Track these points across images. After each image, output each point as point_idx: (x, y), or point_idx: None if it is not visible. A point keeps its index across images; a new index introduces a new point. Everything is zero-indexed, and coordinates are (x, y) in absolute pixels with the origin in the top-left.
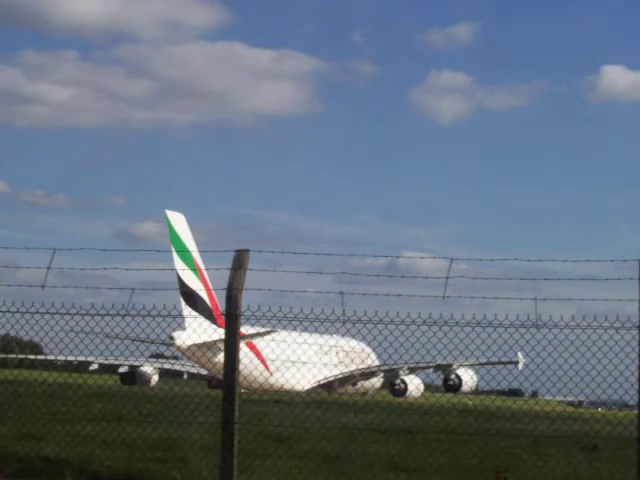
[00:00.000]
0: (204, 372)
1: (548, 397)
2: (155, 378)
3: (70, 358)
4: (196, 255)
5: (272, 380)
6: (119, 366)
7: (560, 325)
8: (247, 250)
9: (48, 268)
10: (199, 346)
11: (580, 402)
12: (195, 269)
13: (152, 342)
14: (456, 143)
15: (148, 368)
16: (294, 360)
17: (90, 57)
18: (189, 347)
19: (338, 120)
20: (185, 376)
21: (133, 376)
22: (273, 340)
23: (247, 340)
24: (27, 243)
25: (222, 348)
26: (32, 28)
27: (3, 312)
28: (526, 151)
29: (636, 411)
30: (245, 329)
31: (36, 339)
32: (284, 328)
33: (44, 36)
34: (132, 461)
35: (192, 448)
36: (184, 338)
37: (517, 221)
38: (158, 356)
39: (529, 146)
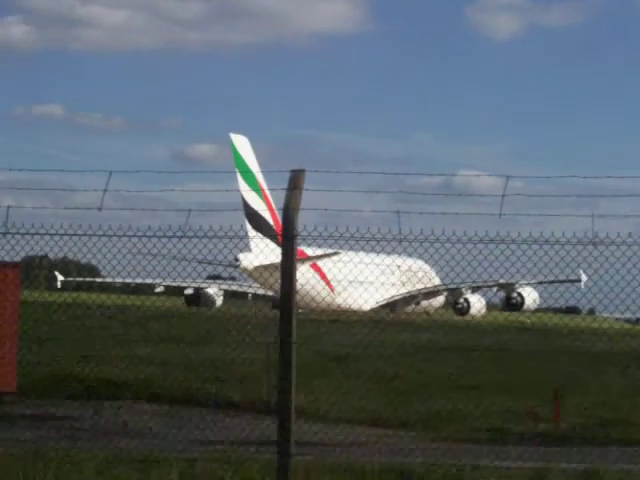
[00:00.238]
0: (269, 293)
1: (605, 314)
2: (220, 300)
3: (138, 280)
4: (259, 177)
5: (337, 300)
6: (184, 288)
7: (617, 242)
8: (303, 170)
9: (104, 191)
10: (265, 267)
11: (638, 319)
12: (259, 190)
13: (217, 263)
14: (511, 60)
15: (213, 289)
16: (358, 280)
17: None
18: (255, 268)
19: (392, 39)
20: (250, 297)
21: (198, 298)
22: (338, 261)
23: (312, 261)
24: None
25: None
26: None
27: (61, 235)
28: (582, 68)
29: None
30: (312, 251)
31: (94, 261)
32: (344, 248)
33: None
34: (190, 382)
35: (250, 368)
36: (250, 259)
37: (573, 139)
38: (215, 277)
39: (585, 63)
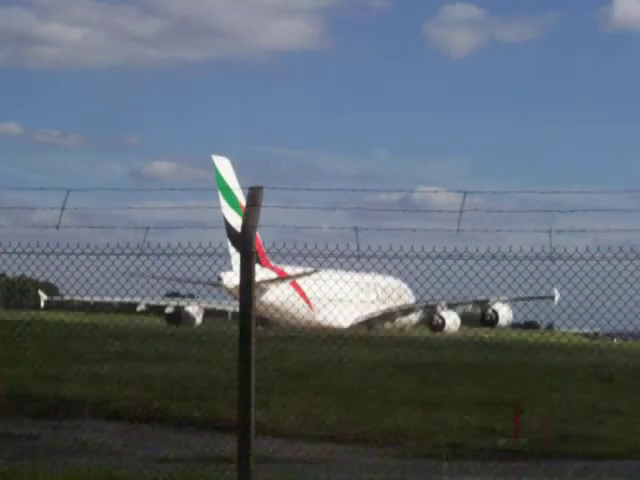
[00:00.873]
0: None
1: (564, 329)
2: (199, 318)
3: (117, 299)
4: (240, 197)
5: (317, 318)
6: (165, 307)
7: (575, 257)
8: (261, 187)
9: (62, 209)
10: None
11: (596, 333)
12: (240, 210)
13: (198, 282)
14: (469, 76)
15: (193, 308)
16: (336, 298)
17: None
18: (236, 287)
19: (350, 55)
20: (230, 315)
21: (179, 316)
22: (317, 279)
23: (291, 280)
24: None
25: (266, 287)
26: None
27: (18, 253)
28: (538, 83)
29: None
30: (291, 269)
31: (52, 280)
32: (312, 265)
33: None
34: (150, 400)
35: (210, 386)
36: (231, 278)
37: (531, 154)
38: (174, 295)
39: (541, 78)
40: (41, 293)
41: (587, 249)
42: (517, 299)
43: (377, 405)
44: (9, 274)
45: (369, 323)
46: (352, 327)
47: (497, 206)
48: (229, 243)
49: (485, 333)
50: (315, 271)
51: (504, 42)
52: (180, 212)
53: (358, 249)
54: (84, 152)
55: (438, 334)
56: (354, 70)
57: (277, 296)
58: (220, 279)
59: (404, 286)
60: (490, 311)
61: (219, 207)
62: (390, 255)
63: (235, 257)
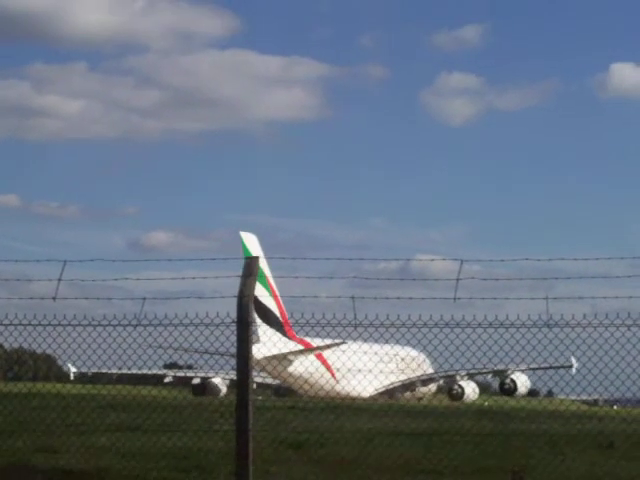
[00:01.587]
0: (275, 382)
1: (562, 396)
2: (224, 389)
3: (144, 371)
4: (268, 275)
5: (338, 388)
6: (191, 378)
7: (572, 324)
8: (257, 257)
9: (59, 280)
10: (270, 358)
11: (595, 400)
12: (268, 288)
13: (223, 354)
14: (467, 144)
15: (217, 379)
16: (357, 369)
17: (99, 68)
18: (264, 359)
19: (349, 125)
20: (254, 386)
21: (204, 387)
22: (339, 350)
23: (319, 352)
24: (39, 255)
25: (292, 359)
26: (40, 41)
27: (15, 325)
28: (536, 151)
29: None
30: (317, 342)
31: (49, 351)
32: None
33: (52, 48)
34: (148, 470)
35: (208, 456)
36: (259, 349)
37: (529, 221)
38: (172, 365)
39: (539, 146)
40: (70, 365)
41: (584, 316)
42: (535, 368)
43: (378, 474)
44: (6, 346)
45: (389, 393)
46: (372, 397)
47: (495, 274)
48: (257, 318)
49: (484, 401)
50: (344, 342)
51: (501, 110)
52: (177, 283)
53: (355, 318)
54: (82, 223)
55: (457, 403)
56: (352, 139)
57: (304, 367)
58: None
59: (422, 356)
60: (508, 380)
61: (216, 277)
62: (387, 324)
63: (262, 330)
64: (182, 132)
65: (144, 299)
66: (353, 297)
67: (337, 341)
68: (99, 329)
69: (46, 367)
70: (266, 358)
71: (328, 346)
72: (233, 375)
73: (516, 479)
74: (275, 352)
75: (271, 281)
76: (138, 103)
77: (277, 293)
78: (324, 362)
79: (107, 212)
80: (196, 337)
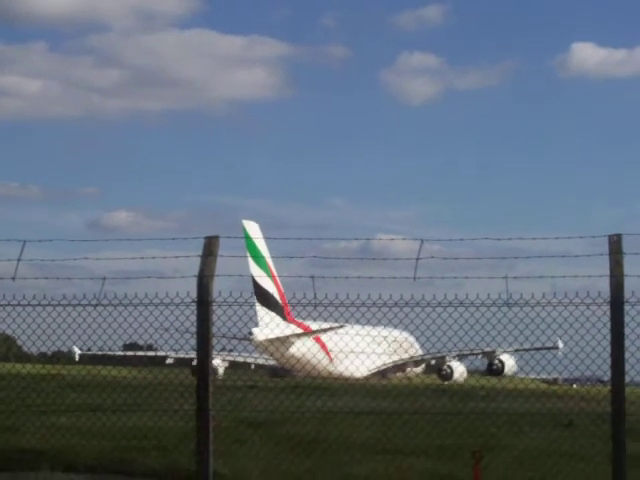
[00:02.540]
0: (271, 363)
1: (522, 375)
2: (221, 369)
3: (150, 354)
4: (269, 260)
5: (334, 368)
6: (192, 359)
7: (531, 303)
8: (217, 237)
9: (18, 260)
10: (272, 341)
11: (555, 379)
12: (268, 273)
13: (233, 337)
14: (427, 124)
15: (217, 360)
16: (352, 350)
17: (60, 48)
18: (266, 341)
19: (310, 104)
20: (253, 367)
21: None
22: (335, 333)
23: (318, 334)
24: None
25: (293, 342)
26: None
27: None
28: (496, 131)
29: (610, 387)
30: (318, 324)
31: (8, 331)
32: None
33: (12, 28)
34: (109, 450)
35: (168, 436)
36: (262, 334)
37: (490, 200)
38: (132, 346)
39: (499, 126)
40: (75, 348)
41: (543, 295)
42: (522, 350)
43: (338, 453)
44: None
45: (381, 373)
46: (366, 377)
47: (456, 253)
48: (257, 303)
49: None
50: (342, 326)
51: (461, 90)
52: (138, 262)
53: (315, 297)
54: (42, 203)
55: (446, 383)
56: (312, 119)
57: (301, 349)
58: (252, 334)
59: (411, 339)
60: (496, 361)
61: (176, 257)
62: (347, 304)
63: (262, 313)
64: (143, 112)
65: (104, 279)
66: (313, 277)
67: (336, 324)
68: (59, 309)
69: (6, 347)
70: (268, 340)
71: (328, 329)
72: (232, 357)
73: (476, 458)
74: (277, 334)
75: (271, 264)
76: (99, 83)
77: (279, 284)
78: (322, 345)
79: (68, 192)
80: (156, 317)
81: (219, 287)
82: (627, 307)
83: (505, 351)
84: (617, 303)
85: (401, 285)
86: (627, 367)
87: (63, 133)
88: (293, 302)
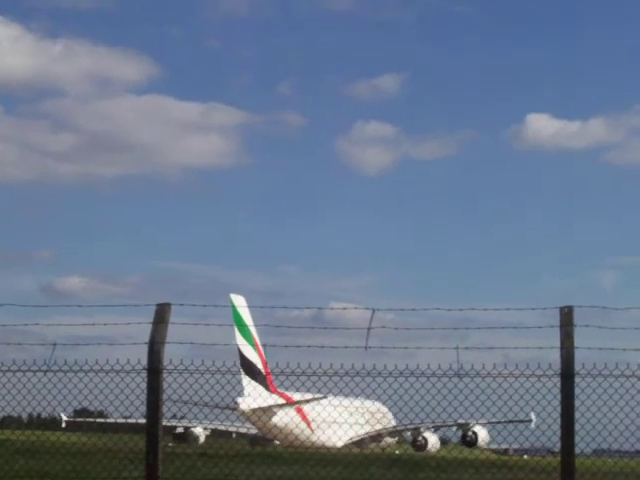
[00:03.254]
0: (252, 432)
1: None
2: (202, 437)
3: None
4: (253, 332)
5: (314, 438)
6: (174, 427)
7: (482, 374)
8: (168, 304)
9: None
10: (255, 410)
11: (506, 450)
12: (253, 344)
13: (215, 406)
14: (381, 193)
15: (198, 429)
16: (331, 421)
17: (15, 111)
18: (251, 411)
19: (265, 172)
20: (234, 435)
21: (185, 436)
22: (317, 404)
23: (299, 405)
24: None
25: (275, 412)
26: None
27: None
28: (450, 201)
29: (559, 458)
30: (301, 395)
31: None
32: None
33: None
34: None
35: None
36: (247, 403)
37: (444, 270)
38: (82, 411)
39: (453, 196)
40: (62, 414)
41: (494, 366)
42: (495, 422)
43: None
44: None
45: (358, 443)
46: (345, 447)
47: (408, 322)
48: (242, 372)
49: (396, 450)
50: (325, 397)
51: (417, 160)
52: (90, 328)
53: (266, 366)
54: None
55: (420, 453)
56: (268, 186)
57: (284, 419)
58: (237, 403)
59: (385, 409)
60: (470, 433)
61: (127, 323)
62: (298, 372)
63: (246, 382)
64: (98, 177)
65: (54, 344)
66: (265, 345)
67: (318, 395)
68: (8, 374)
69: None
70: (251, 410)
71: (310, 400)
72: (214, 425)
73: None
74: (261, 404)
75: (255, 336)
76: (54, 147)
77: (260, 347)
78: (303, 415)
79: (20, 256)
80: (106, 384)
81: (170, 354)
82: (577, 379)
83: (478, 423)
84: (568, 375)
85: (354, 354)
86: (577, 439)
87: (17, 196)
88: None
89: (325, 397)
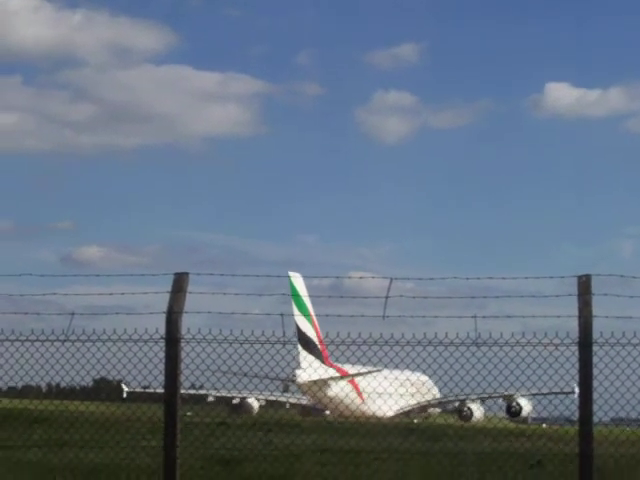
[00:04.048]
0: (303, 402)
1: (490, 414)
2: (256, 408)
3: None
4: (310, 306)
5: (364, 408)
6: (232, 398)
7: (500, 342)
8: (186, 273)
9: None
10: (313, 382)
11: (525, 418)
12: (310, 320)
13: (276, 378)
14: (400, 162)
15: (252, 399)
16: (381, 392)
17: (34, 82)
18: (308, 383)
19: (283, 141)
20: (288, 406)
21: (241, 406)
22: (368, 375)
23: (353, 377)
24: None
25: (330, 384)
26: None
27: None
28: (469, 170)
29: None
30: (357, 369)
31: None
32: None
33: None
34: None
35: (135, 472)
36: (304, 376)
37: (463, 239)
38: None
39: (472, 165)
40: (123, 385)
41: (512, 335)
42: (539, 394)
43: None
44: None
45: (406, 413)
46: (394, 417)
47: (425, 291)
48: (299, 346)
49: (414, 419)
50: (379, 370)
51: (436, 129)
52: (108, 298)
53: (284, 335)
54: (14, 238)
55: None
56: (286, 156)
57: (337, 390)
58: (295, 376)
59: (430, 381)
60: (514, 404)
61: (145, 293)
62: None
63: (305, 357)
64: (117, 147)
65: (72, 314)
66: (282, 314)
67: (374, 369)
68: (27, 344)
69: None
70: (310, 382)
71: (366, 373)
72: (266, 396)
73: None
74: (317, 377)
75: (312, 312)
76: (73, 117)
77: (319, 330)
78: (355, 386)
79: (39, 227)
80: (124, 353)
81: (189, 324)
82: (595, 348)
83: (523, 395)
84: (585, 344)
85: (371, 323)
86: (595, 408)
87: (36, 167)
88: (262, 340)
89: (380, 371)
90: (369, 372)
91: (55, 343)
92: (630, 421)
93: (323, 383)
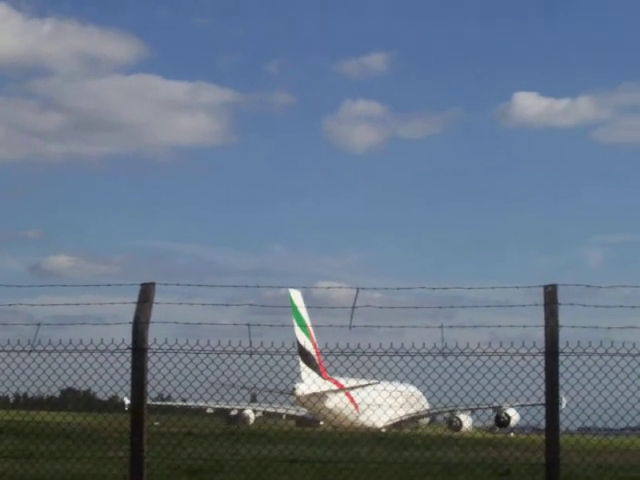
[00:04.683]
0: (300, 414)
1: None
2: (252, 419)
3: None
4: (309, 322)
5: (360, 419)
6: (230, 410)
7: (466, 352)
8: (153, 283)
9: None
10: (311, 395)
11: (491, 428)
12: (308, 334)
13: (274, 390)
14: (369, 172)
15: (248, 411)
16: (374, 403)
17: (2, 91)
18: (306, 396)
19: (253, 151)
20: (284, 417)
21: (237, 417)
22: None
23: (349, 390)
24: None
25: (327, 396)
26: None
27: None
28: (437, 179)
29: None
30: (355, 381)
31: None
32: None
33: None
34: None
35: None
36: (303, 389)
37: (430, 248)
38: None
39: (440, 174)
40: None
41: (479, 345)
42: (526, 405)
43: None
44: None
45: (397, 425)
46: (385, 427)
47: (393, 301)
48: (299, 359)
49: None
50: (378, 382)
51: (405, 138)
52: (76, 308)
53: (251, 345)
54: None
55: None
56: (255, 165)
57: (335, 402)
58: (294, 389)
59: (418, 392)
60: (503, 414)
61: (112, 303)
62: (282, 351)
63: (304, 370)
64: (86, 156)
65: (38, 325)
66: (248, 324)
67: (373, 381)
68: None
69: None
70: (308, 395)
71: (363, 386)
72: (263, 408)
73: None
74: (315, 390)
75: (311, 329)
76: (42, 127)
77: (316, 343)
78: (351, 398)
79: (8, 236)
80: (90, 364)
81: (155, 334)
82: (562, 357)
83: (511, 405)
84: (552, 353)
85: (338, 333)
86: (561, 417)
87: (4, 176)
88: (228, 350)
89: (379, 382)
90: (367, 384)
91: (21, 353)
92: (596, 430)
93: (320, 396)
